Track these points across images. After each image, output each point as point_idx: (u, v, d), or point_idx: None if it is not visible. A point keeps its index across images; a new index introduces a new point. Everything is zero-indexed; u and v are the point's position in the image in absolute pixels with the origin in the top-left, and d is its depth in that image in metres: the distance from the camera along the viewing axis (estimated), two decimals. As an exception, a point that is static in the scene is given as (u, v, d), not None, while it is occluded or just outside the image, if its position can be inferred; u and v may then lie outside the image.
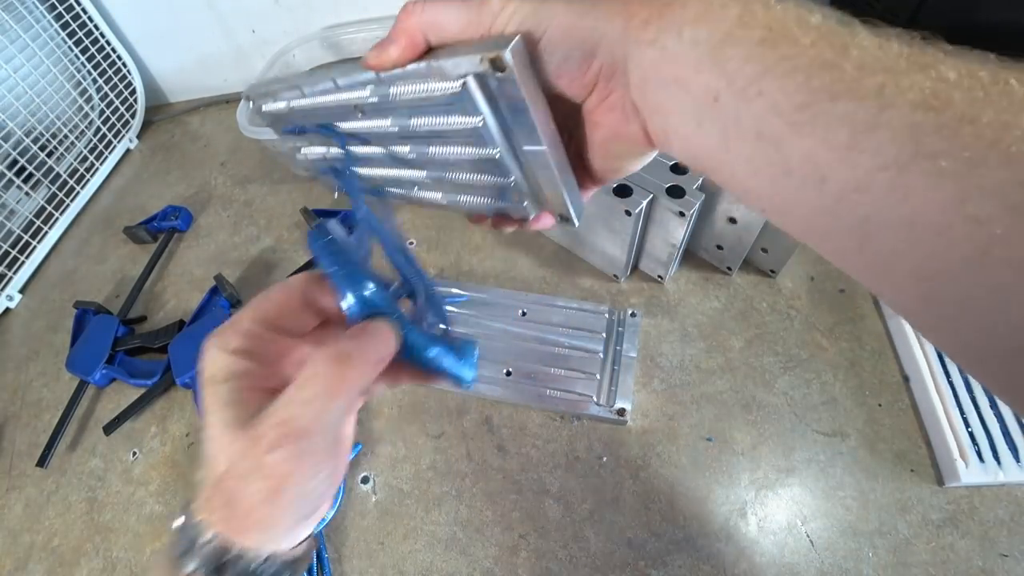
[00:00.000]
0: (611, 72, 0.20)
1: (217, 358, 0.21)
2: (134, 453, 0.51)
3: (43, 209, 0.70)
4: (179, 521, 0.20)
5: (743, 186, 0.18)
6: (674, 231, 0.50)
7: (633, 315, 0.52)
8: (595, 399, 0.48)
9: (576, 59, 0.20)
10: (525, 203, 0.24)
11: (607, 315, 0.52)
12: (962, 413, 0.45)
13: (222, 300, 0.59)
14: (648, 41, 0.18)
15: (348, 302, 0.23)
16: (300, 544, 0.21)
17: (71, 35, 0.74)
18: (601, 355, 0.50)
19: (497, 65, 0.18)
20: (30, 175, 0.69)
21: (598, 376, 0.49)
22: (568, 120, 0.22)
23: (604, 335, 0.51)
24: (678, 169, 0.49)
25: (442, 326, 0.26)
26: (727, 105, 0.17)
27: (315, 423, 0.20)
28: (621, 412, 0.47)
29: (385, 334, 0.22)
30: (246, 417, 0.20)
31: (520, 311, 0.54)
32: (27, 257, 0.67)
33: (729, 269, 0.56)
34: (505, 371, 0.50)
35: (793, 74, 0.15)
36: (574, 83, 0.21)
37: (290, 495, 0.19)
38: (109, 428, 0.52)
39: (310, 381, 0.20)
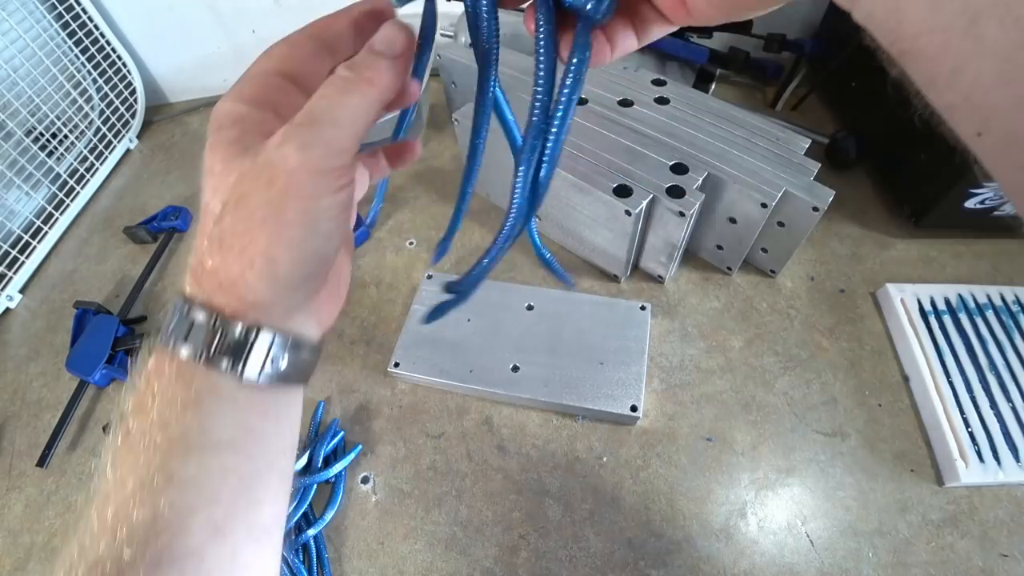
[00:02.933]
0: None
1: (226, 106, 0.20)
2: (134, 453, 0.51)
3: (43, 209, 0.70)
4: (170, 306, 0.20)
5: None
6: (674, 231, 0.50)
7: (643, 308, 0.52)
8: (605, 394, 0.47)
9: None
10: None
11: (617, 308, 0.52)
12: (962, 413, 0.45)
13: (222, 300, 0.59)
14: None
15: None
16: (305, 330, 0.20)
17: (71, 35, 0.74)
18: (611, 349, 0.50)
19: None
20: (30, 175, 0.69)
21: (607, 370, 0.49)
22: None
23: (613, 328, 0.51)
24: (678, 169, 0.49)
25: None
26: None
27: (327, 114, 0.18)
28: (633, 408, 0.46)
29: (396, 30, 0.20)
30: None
31: (526, 304, 0.54)
32: (27, 257, 0.67)
33: (729, 269, 0.56)
34: (512, 366, 0.50)
35: None
36: None
37: (293, 213, 0.18)
38: (109, 428, 0.52)
39: (324, 86, 0.19)
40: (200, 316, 0.18)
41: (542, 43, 0.20)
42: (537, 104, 0.21)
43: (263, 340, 0.19)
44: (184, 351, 0.19)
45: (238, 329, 0.18)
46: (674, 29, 0.22)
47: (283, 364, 0.20)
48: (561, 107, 0.21)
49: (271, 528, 0.21)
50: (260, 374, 0.19)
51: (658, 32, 0.22)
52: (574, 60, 0.20)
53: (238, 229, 0.18)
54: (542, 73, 0.20)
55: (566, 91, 0.20)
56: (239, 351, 0.19)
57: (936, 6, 0.13)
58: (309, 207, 0.18)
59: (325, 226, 0.19)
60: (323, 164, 0.18)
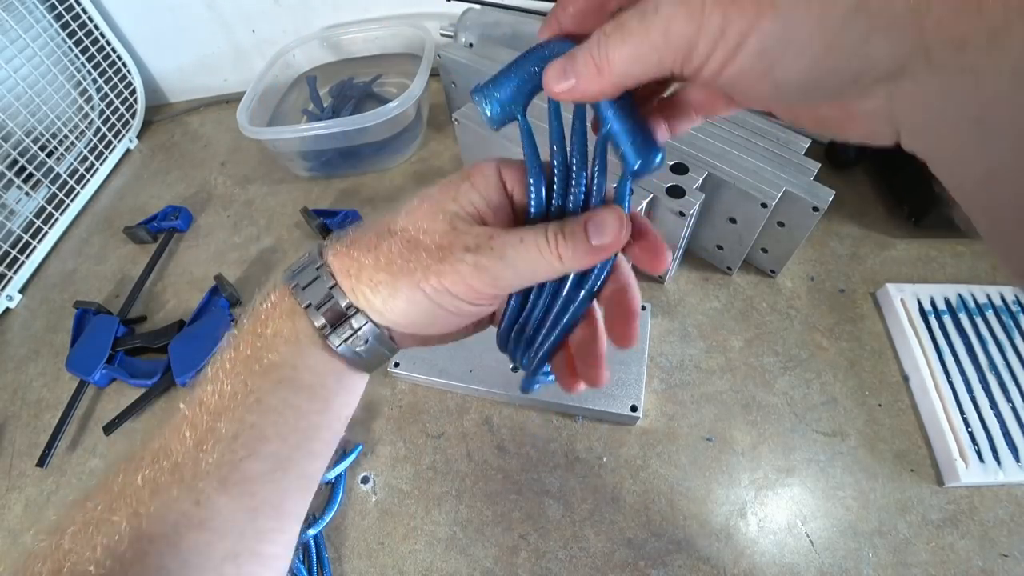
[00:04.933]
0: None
1: (486, 173, 0.23)
2: (134, 453, 0.51)
3: (43, 209, 0.70)
4: (305, 252, 0.24)
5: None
6: (674, 231, 0.50)
7: (643, 308, 0.52)
8: (605, 394, 0.47)
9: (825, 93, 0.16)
10: None
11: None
12: (962, 413, 0.45)
13: (222, 300, 0.59)
14: (960, 67, 0.13)
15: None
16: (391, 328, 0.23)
17: (71, 35, 0.74)
18: (611, 349, 0.50)
19: None
20: (30, 175, 0.69)
21: (607, 370, 0.48)
22: None
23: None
24: (678, 169, 0.49)
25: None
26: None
27: (512, 256, 0.21)
28: (633, 408, 0.46)
29: (613, 219, 0.22)
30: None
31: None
32: (27, 257, 0.67)
33: (729, 269, 0.56)
34: (512, 366, 0.49)
35: None
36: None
37: (425, 294, 0.21)
38: (109, 428, 0.52)
39: (526, 232, 0.21)
40: (325, 278, 0.23)
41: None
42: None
43: (357, 321, 0.22)
44: (301, 297, 0.23)
45: (344, 303, 0.22)
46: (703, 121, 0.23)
47: (361, 348, 0.23)
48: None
49: (314, 480, 0.24)
50: (341, 344, 0.23)
51: (691, 125, 0.23)
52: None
53: (393, 257, 0.22)
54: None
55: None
56: (336, 320, 0.22)
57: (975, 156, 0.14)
58: (441, 301, 0.22)
59: (441, 321, 0.23)
60: (480, 287, 0.21)
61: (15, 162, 0.66)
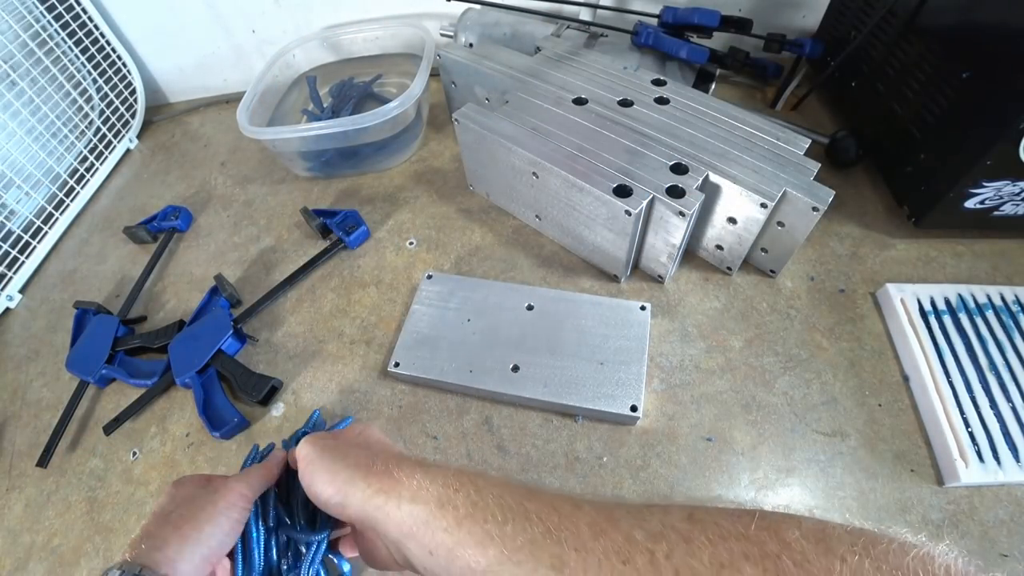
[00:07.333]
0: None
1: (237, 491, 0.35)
2: (134, 453, 0.51)
3: (43, 209, 0.70)
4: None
5: None
6: (674, 231, 0.50)
7: (643, 308, 0.52)
8: (605, 394, 0.47)
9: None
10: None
11: (617, 308, 0.52)
12: (962, 413, 0.45)
13: (222, 300, 0.59)
14: (377, 506, 0.28)
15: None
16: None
17: (71, 35, 0.74)
18: (611, 349, 0.50)
19: None
20: (30, 175, 0.69)
21: (607, 370, 0.49)
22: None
23: (613, 328, 0.51)
24: (678, 169, 0.49)
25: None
26: (439, 557, 0.25)
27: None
28: (633, 408, 0.46)
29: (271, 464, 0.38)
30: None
31: (526, 304, 0.54)
32: (27, 257, 0.67)
33: (729, 269, 0.56)
34: (512, 366, 0.50)
35: (480, 546, 0.24)
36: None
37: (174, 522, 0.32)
38: (109, 428, 0.52)
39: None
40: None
41: None
42: None
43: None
44: None
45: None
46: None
47: None
48: None
49: None
50: None
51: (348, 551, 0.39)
52: None
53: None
54: None
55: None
56: None
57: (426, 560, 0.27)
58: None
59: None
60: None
61: (16, 162, 0.66)
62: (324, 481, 0.30)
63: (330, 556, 0.37)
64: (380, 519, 0.28)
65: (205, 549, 0.31)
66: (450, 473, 0.28)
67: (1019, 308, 0.51)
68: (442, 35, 0.75)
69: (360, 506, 0.29)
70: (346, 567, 0.39)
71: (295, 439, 0.42)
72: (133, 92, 0.83)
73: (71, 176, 0.73)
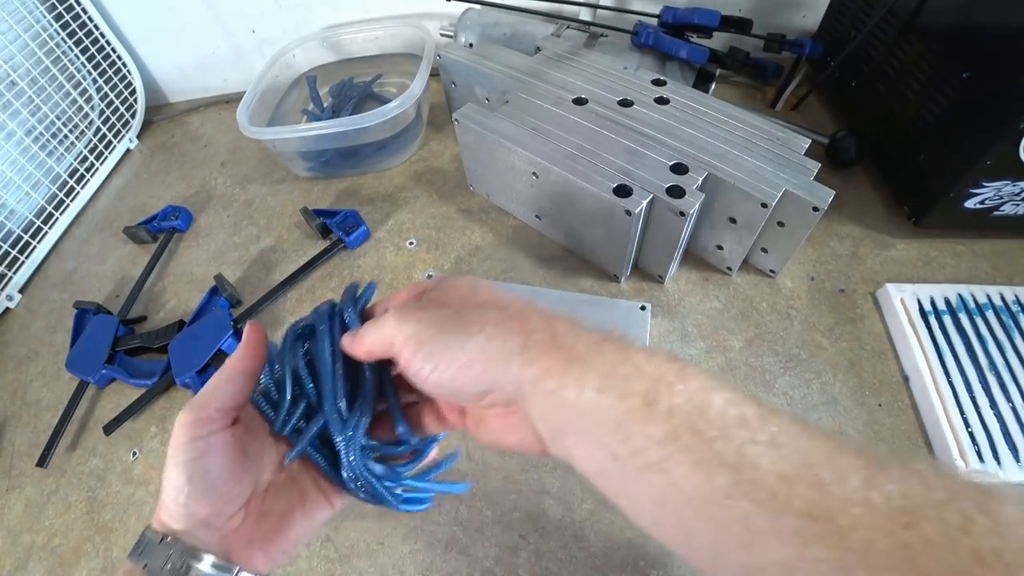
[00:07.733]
0: (507, 402, 0.23)
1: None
2: (134, 453, 0.51)
3: (43, 209, 0.70)
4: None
5: (634, 510, 0.21)
6: (674, 231, 0.50)
7: (643, 308, 0.52)
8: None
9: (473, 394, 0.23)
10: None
11: (617, 308, 0.52)
12: (962, 413, 0.45)
13: (222, 300, 0.59)
14: (548, 391, 0.21)
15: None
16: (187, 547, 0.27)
17: (71, 35, 0.74)
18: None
19: None
20: (30, 175, 0.69)
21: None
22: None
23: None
24: (678, 169, 0.49)
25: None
26: (628, 465, 0.20)
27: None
28: None
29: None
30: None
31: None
32: (27, 257, 0.67)
33: (729, 269, 0.56)
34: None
35: (697, 468, 0.18)
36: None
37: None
38: (109, 428, 0.52)
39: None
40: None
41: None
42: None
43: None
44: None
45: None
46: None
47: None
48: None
49: None
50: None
51: (435, 428, 0.33)
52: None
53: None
54: None
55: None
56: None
57: (602, 465, 0.21)
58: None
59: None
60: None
61: (15, 162, 0.66)
62: (458, 365, 0.22)
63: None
64: (546, 407, 0.21)
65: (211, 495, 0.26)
66: (663, 358, 0.21)
67: (1019, 308, 0.51)
68: (442, 35, 0.75)
69: (514, 391, 0.21)
70: (433, 452, 0.32)
71: (326, 315, 0.29)
72: (133, 92, 0.83)
73: (71, 176, 0.73)
